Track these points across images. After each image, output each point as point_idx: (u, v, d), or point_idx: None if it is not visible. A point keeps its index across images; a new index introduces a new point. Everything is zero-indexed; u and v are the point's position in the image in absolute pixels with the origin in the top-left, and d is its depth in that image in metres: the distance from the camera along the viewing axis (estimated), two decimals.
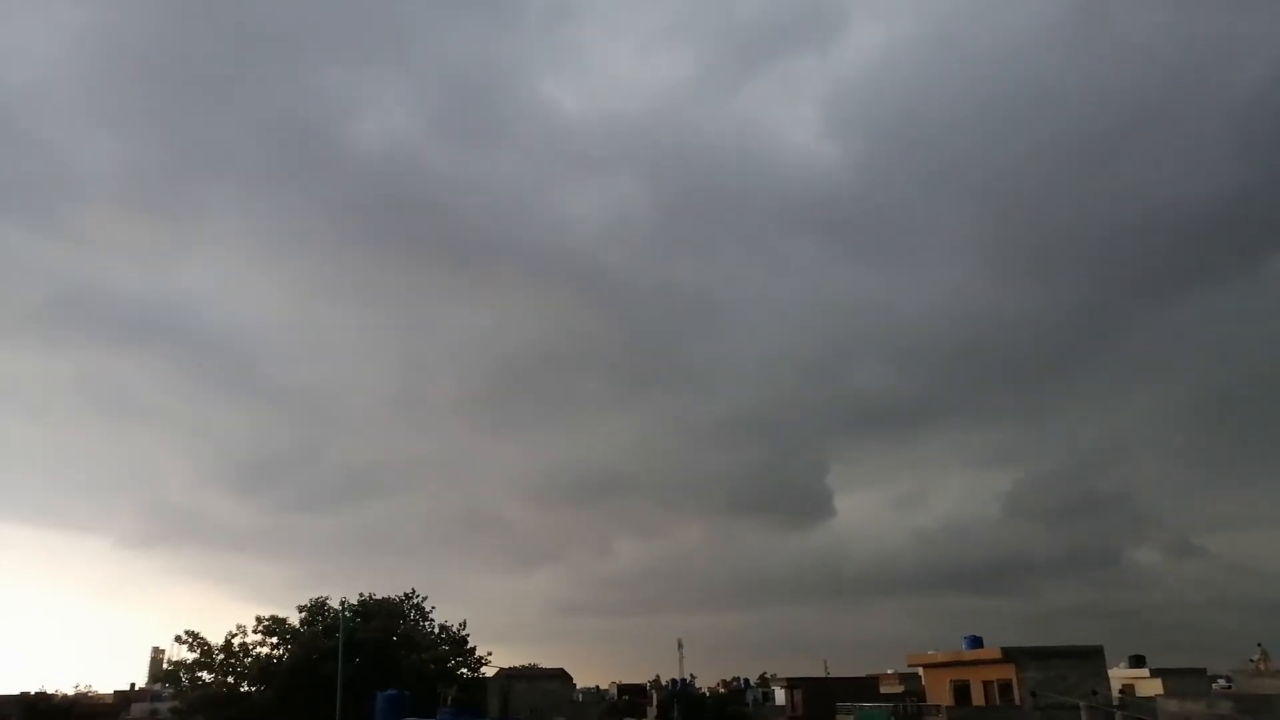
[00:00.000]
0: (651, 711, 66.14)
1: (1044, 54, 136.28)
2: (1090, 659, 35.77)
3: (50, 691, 78.89)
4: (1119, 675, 47.00)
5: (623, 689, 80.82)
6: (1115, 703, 34.89)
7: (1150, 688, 45.38)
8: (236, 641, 41.04)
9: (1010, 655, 35.17)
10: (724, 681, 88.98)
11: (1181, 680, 45.65)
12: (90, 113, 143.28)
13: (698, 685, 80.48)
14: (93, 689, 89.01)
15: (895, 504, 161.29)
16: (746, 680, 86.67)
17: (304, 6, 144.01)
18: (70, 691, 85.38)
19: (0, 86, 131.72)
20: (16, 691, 78.74)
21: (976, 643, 38.73)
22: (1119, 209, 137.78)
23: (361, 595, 45.51)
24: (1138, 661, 50.58)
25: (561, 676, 49.18)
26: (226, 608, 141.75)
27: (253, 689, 40.58)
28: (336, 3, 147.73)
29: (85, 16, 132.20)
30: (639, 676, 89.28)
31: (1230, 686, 47.42)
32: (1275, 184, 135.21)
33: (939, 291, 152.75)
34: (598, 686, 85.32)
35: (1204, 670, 49.53)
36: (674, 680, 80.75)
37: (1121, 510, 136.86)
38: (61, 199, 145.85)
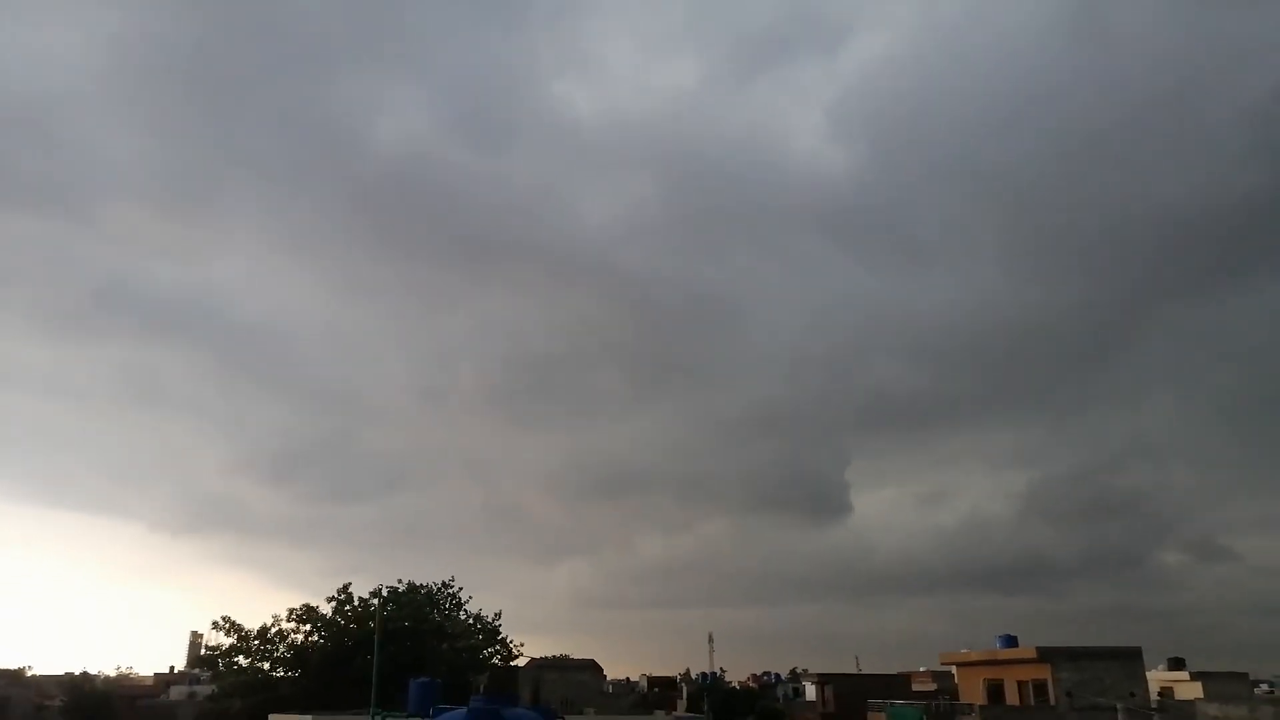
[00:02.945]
0: (682, 704, 66.16)
1: (1048, 55, 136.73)
2: (1128, 660, 35.23)
3: (92, 673, 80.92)
4: (1157, 678, 46.24)
5: (653, 681, 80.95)
6: (1154, 705, 34.35)
7: (1189, 691, 44.62)
8: (272, 628, 41.64)
9: (1046, 655, 34.73)
10: (754, 676, 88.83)
11: (1222, 684, 44.79)
12: (124, 115, 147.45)
13: (728, 679, 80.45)
14: (133, 670, 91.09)
15: (915, 502, 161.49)
16: (777, 675, 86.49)
17: (323, 14, 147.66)
18: (112, 673, 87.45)
19: (39, 91, 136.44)
20: (60, 673, 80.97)
21: (1011, 642, 38.28)
22: (1132, 208, 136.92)
23: (398, 583, 45.99)
24: (1177, 664, 49.67)
25: (592, 668, 49.48)
26: (259, 594, 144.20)
27: (287, 674, 41.17)
28: (354, 10, 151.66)
29: (118, 24, 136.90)
30: (667, 669, 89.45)
31: (1273, 691, 46.50)
32: None
33: (955, 291, 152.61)
34: (628, 678, 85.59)
35: (1246, 675, 48.49)
36: (704, 673, 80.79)
37: (1146, 511, 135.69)
38: (98, 198, 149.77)
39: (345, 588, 43.99)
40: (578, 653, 54.77)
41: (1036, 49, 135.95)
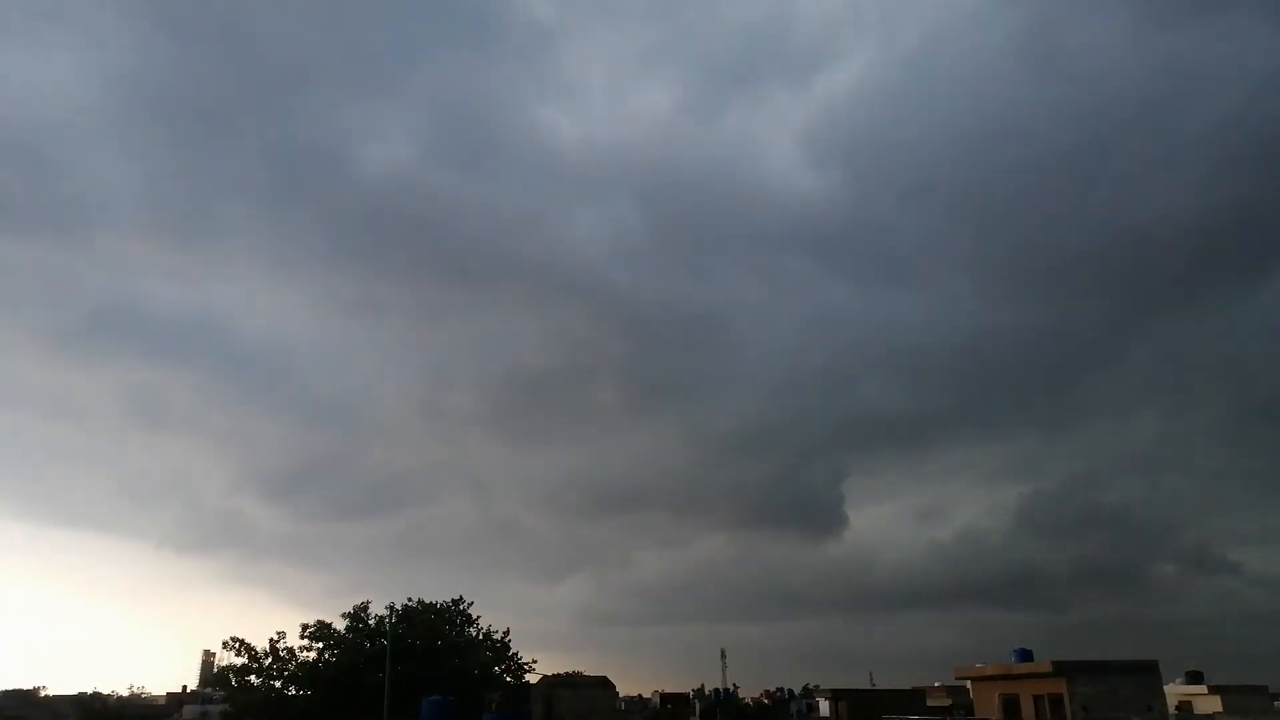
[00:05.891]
0: None
1: (1005, 80, 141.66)
2: (1145, 674, 34.87)
3: (105, 693, 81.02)
4: (1175, 691, 45.70)
5: (665, 698, 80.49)
6: None
7: (1208, 705, 44.12)
8: (282, 646, 41.68)
9: (1061, 669, 34.42)
10: (766, 692, 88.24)
11: (1241, 698, 44.24)
12: (117, 144, 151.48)
13: (740, 695, 79.99)
14: (145, 690, 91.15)
15: (911, 517, 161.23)
16: (790, 690, 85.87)
17: (309, 44, 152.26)
18: (124, 693, 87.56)
19: (36, 121, 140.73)
20: (73, 692, 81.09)
21: (1026, 656, 37.97)
22: (1108, 226, 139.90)
23: (408, 600, 46.00)
24: (1195, 678, 49.03)
25: (604, 684, 49.17)
26: (266, 611, 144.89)
27: (299, 693, 41.17)
28: (341, 42, 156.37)
29: (111, 57, 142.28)
30: (676, 686, 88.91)
31: None
32: (1265, 200, 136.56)
33: (938, 308, 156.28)
34: (640, 695, 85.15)
35: (1265, 688, 47.82)
36: (717, 690, 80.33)
37: (1139, 524, 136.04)
38: (94, 223, 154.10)
39: (365, 605, 44.07)
40: (588, 669, 54.41)
41: (992, 74, 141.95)
